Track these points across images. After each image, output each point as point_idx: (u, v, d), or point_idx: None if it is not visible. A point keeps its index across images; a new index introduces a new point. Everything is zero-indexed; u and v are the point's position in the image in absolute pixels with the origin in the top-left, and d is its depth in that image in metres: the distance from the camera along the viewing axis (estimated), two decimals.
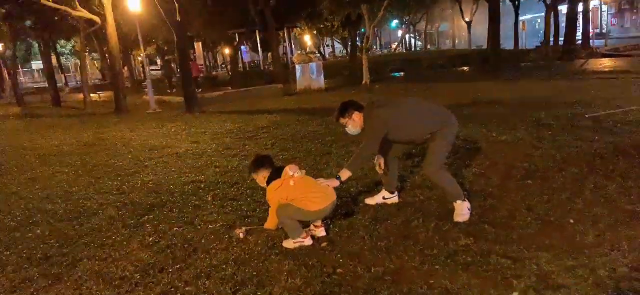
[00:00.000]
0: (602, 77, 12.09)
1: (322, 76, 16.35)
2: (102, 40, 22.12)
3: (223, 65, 44.50)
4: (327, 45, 54.20)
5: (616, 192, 3.74)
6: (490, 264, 2.79)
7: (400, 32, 54.74)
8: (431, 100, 3.86)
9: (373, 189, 4.35)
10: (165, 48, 33.60)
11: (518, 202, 3.74)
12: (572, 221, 3.29)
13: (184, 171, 5.91)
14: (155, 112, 13.76)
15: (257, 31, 27.33)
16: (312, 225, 3.43)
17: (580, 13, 22.07)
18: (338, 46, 54.72)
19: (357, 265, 2.95)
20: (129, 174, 5.98)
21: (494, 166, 4.80)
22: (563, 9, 26.69)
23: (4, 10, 17.13)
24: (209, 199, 4.65)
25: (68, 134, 10.19)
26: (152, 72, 26.69)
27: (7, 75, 24.97)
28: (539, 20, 47.16)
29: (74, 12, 13.36)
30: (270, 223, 3.46)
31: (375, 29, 15.34)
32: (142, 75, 39.13)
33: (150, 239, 3.74)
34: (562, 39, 23.48)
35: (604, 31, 35.93)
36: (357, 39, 30.09)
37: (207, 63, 36.41)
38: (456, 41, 54.37)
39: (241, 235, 3.57)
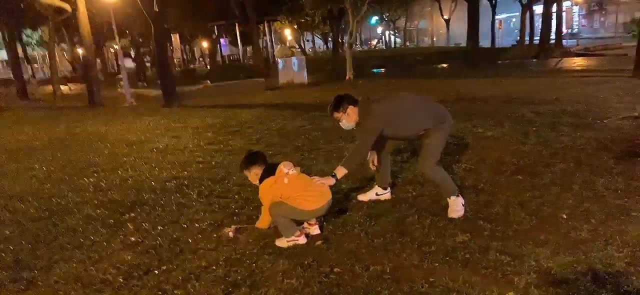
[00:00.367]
0: (577, 75, 12.35)
1: (305, 71, 16.22)
2: (73, 30, 21.39)
3: (200, 59, 43.76)
4: (307, 40, 53.94)
5: (604, 187, 3.76)
6: (490, 261, 2.74)
7: (379, 29, 54.97)
8: (424, 97, 3.79)
9: (365, 185, 4.27)
10: (141, 40, 32.84)
11: (510, 197, 3.71)
12: (564, 216, 3.28)
13: (165, 167, 5.70)
14: (131, 105, 13.37)
15: (236, 24, 26.95)
16: (305, 223, 3.31)
17: (554, 13, 22.59)
18: (318, 41, 54.58)
19: (354, 264, 2.85)
20: (106, 171, 5.73)
21: (483, 162, 4.79)
22: (537, 9, 27.30)
23: None
24: (194, 196, 4.47)
25: (38, 128, 9.76)
26: (129, 65, 25.88)
27: None
28: (513, 20, 48.16)
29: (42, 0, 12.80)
30: (263, 222, 3.33)
31: (358, 25, 15.21)
32: (116, 67, 38.14)
33: (133, 239, 3.55)
34: (537, 38, 24.02)
35: (575, 31, 36.97)
36: (340, 34, 30.03)
37: (185, 56, 35.68)
38: (435, 39, 54.95)
39: (231, 234, 3.43)
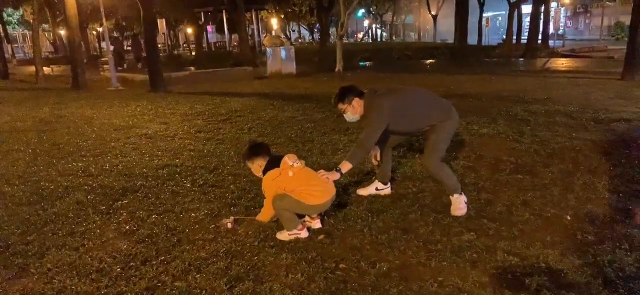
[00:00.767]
0: (566, 76, 12.49)
1: (294, 61, 16.06)
2: (56, 9, 20.73)
3: (185, 45, 43.03)
4: (293, 30, 53.51)
5: (605, 189, 3.78)
6: (498, 261, 2.71)
7: (366, 22, 54.86)
8: (430, 91, 3.73)
9: (363, 180, 4.21)
10: (124, 24, 32.09)
11: (512, 196, 3.70)
12: (569, 218, 3.28)
13: (156, 154, 5.55)
14: (117, 89, 13.03)
15: (224, 11, 26.54)
16: (307, 217, 3.24)
17: (542, 13, 22.81)
18: (304, 32, 54.22)
19: (360, 260, 2.79)
20: (94, 155, 5.55)
21: (481, 159, 4.77)
22: (524, 8, 27.58)
23: None
24: (188, 185, 4.35)
25: (20, 109, 9.43)
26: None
27: None
28: (499, 18, 48.61)
29: None
30: (265, 215, 3.24)
31: (349, 16, 15.08)
32: (99, 50, 37.22)
33: (127, 227, 3.43)
34: (524, 37, 24.28)
35: (560, 32, 37.54)
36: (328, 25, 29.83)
37: (169, 42, 34.98)
38: (421, 34, 55.12)
39: (229, 225, 3.34)
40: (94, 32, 40.57)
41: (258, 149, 3.19)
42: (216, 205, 3.77)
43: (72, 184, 4.45)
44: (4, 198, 4.12)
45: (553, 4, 28.83)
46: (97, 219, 3.59)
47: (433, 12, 42.66)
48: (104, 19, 14.04)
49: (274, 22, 37.49)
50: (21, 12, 35.12)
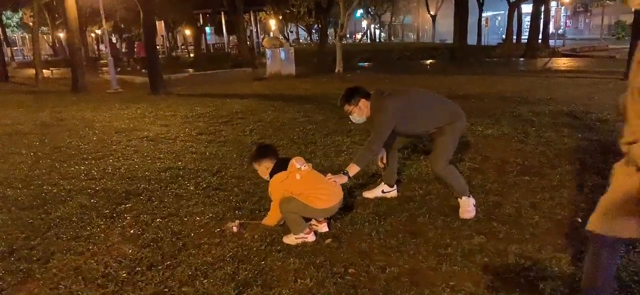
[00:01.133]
0: (568, 76, 12.47)
1: (293, 62, 16.03)
2: (55, 12, 20.69)
3: (183, 47, 42.98)
4: (291, 31, 53.45)
5: None
6: (510, 265, 2.67)
7: (364, 23, 54.83)
8: (437, 93, 3.69)
9: (369, 182, 4.17)
10: (123, 26, 32.02)
11: (521, 199, 3.66)
12: (580, 220, 3.23)
13: (158, 157, 5.50)
14: (117, 92, 12.98)
15: (222, 13, 26.50)
16: (314, 221, 3.20)
17: (541, 13, 22.80)
18: (302, 33, 54.15)
19: (369, 264, 2.75)
20: (96, 158, 5.51)
21: (487, 161, 4.74)
22: (524, 7, 27.58)
23: None
24: (191, 188, 4.31)
25: (21, 112, 9.39)
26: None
27: None
28: (498, 18, 48.66)
29: None
30: (272, 218, 3.20)
31: (348, 17, 15.05)
32: (97, 53, 37.14)
33: (132, 231, 3.39)
34: (525, 37, 24.27)
35: (560, 32, 37.55)
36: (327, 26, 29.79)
37: (167, 44, 34.91)
38: (420, 34, 55.12)
39: (234, 229, 3.29)
40: (92, 35, 40.49)
41: (265, 151, 3.15)
42: (221, 209, 3.73)
43: (75, 188, 4.41)
44: (6, 202, 4.07)
45: (553, 3, 28.83)
46: (102, 223, 3.55)
47: (432, 13, 42.64)
48: (103, 22, 13.99)
49: (273, 24, 37.44)
50: (20, 15, 35.04)
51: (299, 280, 2.61)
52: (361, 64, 20.98)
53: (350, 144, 5.67)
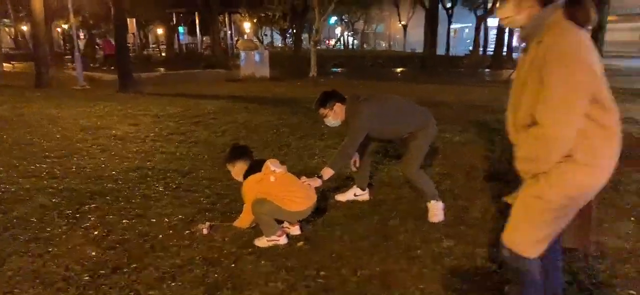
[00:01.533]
0: None
1: (268, 65, 15.98)
2: (19, 4, 19.90)
3: (154, 45, 42.13)
4: (265, 35, 53.23)
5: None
6: (478, 268, 2.73)
7: (338, 30, 55.27)
8: (410, 100, 3.75)
9: (341, 185, 4.18)
10: (92, 22, 31.10)
11: (488, 204, 3.75)
12: None
13: (126, 156, 5.36)
14: (83, 88, 12.57)
15: (196, 12, 26.14)
16: (286, 223, 3.18)
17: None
18: (276, 37, 53.99)
19: (341, 267, 2.75)
20: (60, 157, 5.30)
21: (455, 166, 4.84)
22: (490, 21, 28.49)
23: None
24: (161, 189, 4.21)
25: None
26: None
27: None
28: (466, 30, 50.03)
29: None
30: (244, 220, 3.16)
31: (323, 22, 15.14)
32: (64, 48, 35.89)
33: (96, 232, 3.27)
34: (491, 49, 25.04)
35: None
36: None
37: (139, 42, 34.12)
38: (391, 43, 55.94)
39: (205, 231, 3.23)
40: (58, 29, 39.14)
41: (240, 152, 3.11)
42: (191, 210, 3.66)
43: (36, 187, 4.22)
44: None
45: None
46: (63, 224, 3.41)
47: (403, 22, 43.36)
48: (71, 15, 13.53)
49: (247, 26, 37.21)
50: None
51: (270, 283, 2.59)
52: (335, 69, 21.12)
53: (323, 147, 5.68)
